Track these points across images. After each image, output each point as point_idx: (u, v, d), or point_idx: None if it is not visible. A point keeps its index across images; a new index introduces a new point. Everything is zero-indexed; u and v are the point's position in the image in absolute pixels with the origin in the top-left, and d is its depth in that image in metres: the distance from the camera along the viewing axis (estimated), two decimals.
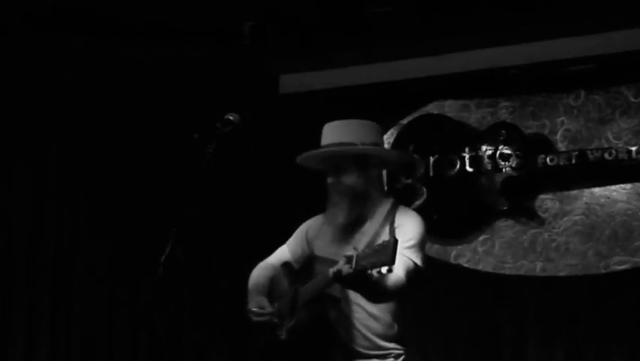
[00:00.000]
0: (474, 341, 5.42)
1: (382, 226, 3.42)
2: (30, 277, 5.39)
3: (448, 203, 5.52)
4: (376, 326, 3.42)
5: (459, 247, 5.54)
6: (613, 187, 5.22)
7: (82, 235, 5.53)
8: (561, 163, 5.23)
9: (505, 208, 5.41)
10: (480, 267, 5.47)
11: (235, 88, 5.57)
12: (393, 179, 5.61)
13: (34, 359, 5.36)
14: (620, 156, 5.09)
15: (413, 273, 3.32)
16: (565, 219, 5.32)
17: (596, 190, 5.26)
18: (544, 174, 5.30)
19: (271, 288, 3.61)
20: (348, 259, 3.07)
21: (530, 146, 5.34)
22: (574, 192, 5.31)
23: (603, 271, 5.17)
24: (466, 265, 5.51)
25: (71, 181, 5.54)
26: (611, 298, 5.13)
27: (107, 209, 5.55)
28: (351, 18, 5.44)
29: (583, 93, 5.35)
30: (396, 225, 3.37)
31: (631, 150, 5.08)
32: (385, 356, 3.44)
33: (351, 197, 3.46)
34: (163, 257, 3.16)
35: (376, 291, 3.25)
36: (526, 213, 5.38)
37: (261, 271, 3.68)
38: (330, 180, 3.50)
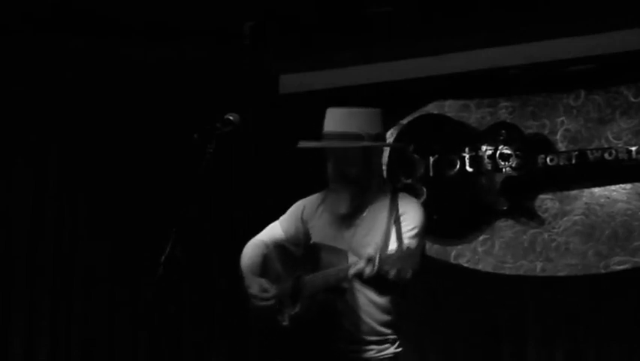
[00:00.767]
0: (474, 341, 5.42)
1: (383, 213, 3.43)
2: (30, 277, 5.39)
3: (448, 203, 5.52)
4: (375, 312, 3.44)
5: (459, 247, 5.54)
6: (613, 187, 5.22)
7: (82, 235, 5.53)
8: (561, 163, 5.23)
9: (505, 208, 5.40)
10: (480, 267, 5.47)
11: (235, 88, 5.57)
12: (394, 179, 5.62)
13: (34, 359, 5.36)
14: (620, 156, 5.09)
15: (417, 264, 3.34)
16: (565, 219, 5.32)
17: (596, 190, 5.26)
18: (544, 174, 5.30)
19: (264, 267, 3.60)
20: (370, 260, 3.08)
21: (530, 146, 5.34)
22: (574, 192, 5.31)
23: (603, 271, 5.17)
24: (466, 265, 5.51)
25: (71, 181, 5.54)
26: (611, 298, 5.12)
27: (107, 209, 5.55)
28: (351, 18, 5.44)
29: (583, 93, 5.35)
30: (400, 212, 3.39)
31: (631, 150, 5.08)
32: (382, 342, 3.46)
33: (352, 187, 3.47)
34: (163, 257, 3.17)
35: (391, 288, 3.28)
36: (526, 213, 5.38)
37: (254, 249, 3.67)
38: (332, 167, 3.50)
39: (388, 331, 3.47)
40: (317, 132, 3.54)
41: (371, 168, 3.50)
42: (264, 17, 5.57)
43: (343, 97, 5.42)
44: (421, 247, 3.41)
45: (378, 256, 3.06)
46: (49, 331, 5.40)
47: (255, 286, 3.55)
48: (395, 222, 3.36)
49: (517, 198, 5.39)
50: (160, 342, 5.58)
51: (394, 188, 3.60)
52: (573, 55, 5.18)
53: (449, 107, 5.68)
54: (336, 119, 3.49)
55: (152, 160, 5.54)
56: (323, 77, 5.72)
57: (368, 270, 3.08)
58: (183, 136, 3.40)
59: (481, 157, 5.45)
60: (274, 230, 3.70)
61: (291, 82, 5.79)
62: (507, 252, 5.42)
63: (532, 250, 5.36)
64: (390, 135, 5.70)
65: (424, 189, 5.57)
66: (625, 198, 5.19)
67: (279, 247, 3.64)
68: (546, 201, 5.37)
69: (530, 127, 5.44)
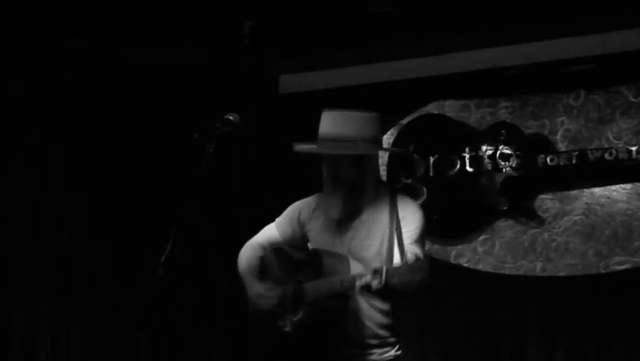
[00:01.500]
0: (474, 341, 5.42)
1: (383, 216, 3.43)
2: (30, 277, 5.39)
3: (448, 203, 5.51)
4: (376, 316, 3.45)
5: (459, 247, 5.54)
6: (613, 187, 5.22)
7: (82, 235, 5.53)
8: (561, 163, 5.23)
9: (505, 208, 5.40)
10: (480, 267, 5.47)
11: (235, 88, 5.57)
12: (394, 179, 5.62)
13: (34, 359, 5.36)
14: (620, 156, 5.09)
15: (426, 272, 3.33)
16: (565, 219, 5.32)
17: (596, 190, 5.26)
18: (544, 174, 5.30)
19: (261, 269, 3.60)
20: (377, 272, 3.08)
21: (530, 146, 5.34)
22: (574, 192, 5.31)
23: (603, 271, 5.17)
24: (466, 265, 5.51)
25: (71, 181, 5.54)
26: (611, 298, 5.12)
27: (107, 209, 5.55)
28: (351, 18, 5.44)
29: (583, 93, 5.35)
30: (400, 216, 3.39)
31: (631, 150, 5.08)
32: (383, 345, 3.46)
33: (346, 190, 3.45)
34: (163, 257, 3.16)
35: (399, 299, 3.30)
36: (526, 213, 5.38)
37: (251, 252, 3.66)
38: (326, 170, 3.49)
39: (389, 334, 3.47)
40: (316, 133, 3.54)
41: (366, 171, 3.48)
42: (264, 17, 5.57)
43: (343, 97, 5.45)
44: (422, 251, 3.39)
45: (385, 269, 3.06)
46: (49, 331, 5.41)
47: (257, 287, 3.55)
48: (397, 228, 3.35)
49: (518, 198, 5.39)
50: (160, 342, 5.58)
51: (392, 190, 3.59)
52: (573, 55, 5.18)
53: (449, 107, 5.68)
54: (331, 122, 3.47)
55: (152, 160, 5.54)
56: (323, 77, 5.72)
57: (375, 283, 3.09)
58: (183, 136, 3.40)
59: (481, 157, 5.45)
60: (270, 232, 3.69)
61: (291, 82, 5.79)
62: (507, 252, 5.42)
63: (533, 250, 5.36)
64: (391, 135, 5.70)
65: (424, 189, 5.57)
66: (625, 198, 5.19)
67: (275, 251, 3.64)
68: (546, 201, 5.37)
69: (530, 127, 5.44)
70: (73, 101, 5.54)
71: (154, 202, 5.44)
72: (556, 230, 5.33)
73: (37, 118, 5.49)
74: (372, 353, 3.44)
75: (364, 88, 5.59)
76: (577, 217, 5.28)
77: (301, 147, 3.54)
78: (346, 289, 3.27)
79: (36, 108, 5.48)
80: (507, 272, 5.41)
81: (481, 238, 5.50)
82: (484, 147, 5.45)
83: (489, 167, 5.42)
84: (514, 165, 5.36)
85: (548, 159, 5.26)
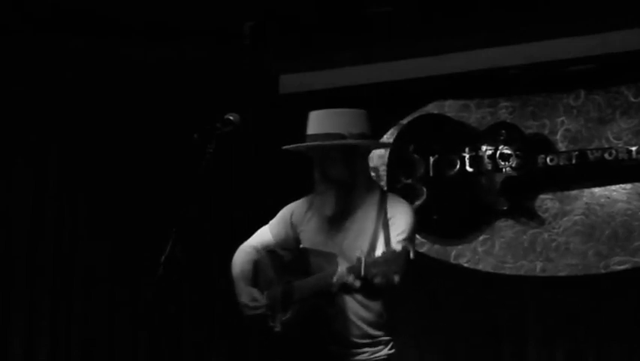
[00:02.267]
0: (474, 341, 5.42)
1: (372, 216, 3.43)
2: (30, 277, 5.39)
3: (448, 203, 5.52)
4: (367, 315, 3.45)
5: (459, 247, 5.54)
6: (613, 187, 5.22)
7: (82, 235, 5.53)
8: (561, 163, 5.23)
9: (505, 208, 5.40)
10: (480, 267, 5.47)
11: (235, 88, 5.57)
12: (394, 179, 5.62)
13: (34, 359, 5.36)
14: (620, 156, 5.09)
15: (403, 267, 3.32)
16: (565, 219, 5.31)
17: (596, 190, 5.26)
18: (544, 174, 5.30)
19: (255, 272, 3.60)
20: (352, 269, 3.09)
21: (530, 146, 5.34)
22: (574, 192, 5.31)
23: (603, 271, 5.17)
24: (466, 265, 5.51)
25: (71, 181, 5.54)
26: (611, 298, 5.13)
27: (107, 209, 5.55)
28: (351, 18, 5.44)
29: (583, 93, 5.35)
30: (389, 216, 3.39)
31: (631, 150, 5.08)
32: (376, 344, 3.46)
33: (337, 188, 3.46)
34: (163, 257, 3.17)
35: (377, 292, 3.27)
36: (526, 213, 5.38)
37: (245, 256, 3.66)
38: (316, 169, 3.50)
39: (381, 333, 3.47)
40: None
41: (355, 168, 3.49)
42: (264, 17, 5.57)
43: (343, 97, 5.44)
44: (408, 250, 3.35)
45: (363, 262, 3.06)
46: (49, 331, 5.41)
47: (245, 295, 3.55)
48: (384, 226, 3.35)
49: (518, 198, 5.39)
50: (160, 342, 5.58)
51: (383, 190, 3.59)
52: (573, 55, 5.18)
53: (449, 107, 5.68)
54: (318, 121, 3.50)
55: (152, 160, 5.54)
56: (323, 77, 5.72)
57: (350, 279, 3.10)
58: (183, 136, 3.40)
59: (481, 157, 5.45)
60: (264, 235, 3.69)
61: (291, 82, 5.79)
62: (507, 252, 5.42)
63: (533, 250, 5.36)
64: (391, 135, 5.70)
65: (424, 189, 5.57)
66: (625, 198, 5.19)
67: (269, 253, 3.64)
68: (546, 201, 5.37)
69: (530, 127, 5.44)
70: (73, 101, 5.54)
71: (154, 202, 5.44)
72: (556, 230, 5.33)
73: (37, 118, 5.49)
74: (363, 352, 3.44)
75: (364, 88, 5.59)
76: (577, 217, 5.28)
77: (289, 146, 3.56)
78: (330, 285, 3.26)
79: (36, 108, 5.48)
80: (507, 272, 5.41)
81: (481, 238, 5.50)
82: (484, 147, 5.45)
83: (489, 167, 5.42)
84: (514, 165, 5.36)
85: (548, 159, 5.26)
